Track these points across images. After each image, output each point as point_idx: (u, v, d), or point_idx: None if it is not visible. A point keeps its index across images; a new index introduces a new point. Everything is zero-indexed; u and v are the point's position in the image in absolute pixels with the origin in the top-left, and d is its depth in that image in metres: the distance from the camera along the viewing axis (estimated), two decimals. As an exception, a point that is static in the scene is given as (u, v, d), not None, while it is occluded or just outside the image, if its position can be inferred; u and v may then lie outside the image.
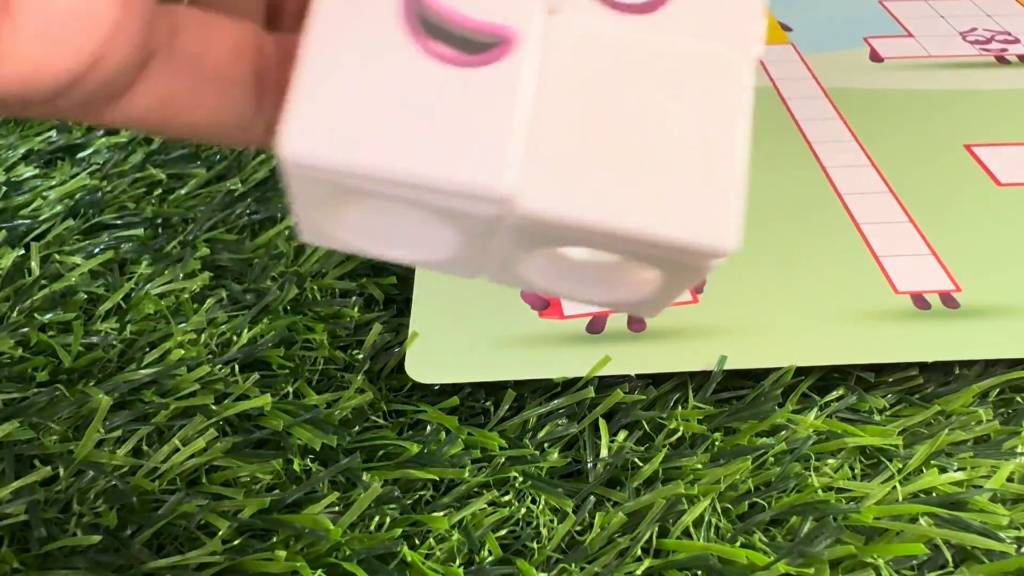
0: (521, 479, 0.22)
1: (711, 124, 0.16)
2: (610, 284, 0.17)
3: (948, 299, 0.27)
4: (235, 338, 0.26)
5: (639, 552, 0.21)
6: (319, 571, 0.20)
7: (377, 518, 0.21)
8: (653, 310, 0.17)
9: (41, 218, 0.28)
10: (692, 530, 0.22)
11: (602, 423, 0.23)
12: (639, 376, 0.25)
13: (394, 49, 0.15)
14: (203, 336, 0.26)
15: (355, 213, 0.16)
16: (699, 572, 0.21)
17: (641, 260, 0.16)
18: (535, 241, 0.16)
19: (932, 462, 0.23)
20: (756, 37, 0.16)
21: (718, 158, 0.15)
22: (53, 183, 0.29)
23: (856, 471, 0.23)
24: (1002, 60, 0.38)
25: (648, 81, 0.16)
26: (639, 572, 0.20)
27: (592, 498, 0.22)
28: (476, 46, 0.16)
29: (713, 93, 0.16)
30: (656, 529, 0.21)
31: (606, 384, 0.25)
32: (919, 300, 0.27)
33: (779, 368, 0.25)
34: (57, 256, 0.27)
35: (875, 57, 0.38)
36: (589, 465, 0.23)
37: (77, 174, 0.30)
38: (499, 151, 0.15)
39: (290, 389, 0.24)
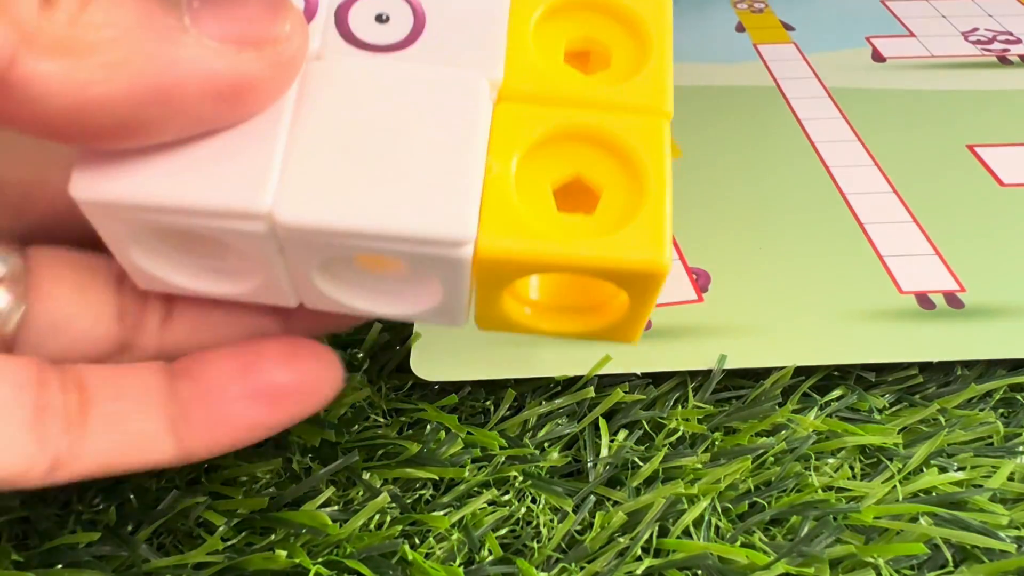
0: (521, 478, 0.22)
1: (450, 136, 0.18)
2: (404, 296, 0.19)
3: (952, 299, 0.27)
4: (236, 336, 0.26)
5: (639, 552, 0.21)
6: (321, 566, 0.20)
7: (377, 517, 0.21)
8: (456, 318, 0.19)
9: (42, 216, 0.28)
10: (692, 530, 0.21)
11: (602, 422, 0.23)
12: (641, 375, 0.25)
13: None
14: (204, 334, 0.26)
15: (163, 252, 0.18)
16: (699, 572, 0.21)
17: (408, 263, 0.17)
18: (315, 255, 0.17)
19: (932, 461, 0.23)
20: (495, 63, 0.19)
21: (456, 164, 0.17)
22: (55, 181, 0.29)
23: (856, 470, 0.23)
24: (1004, 60, 0.38)
25: (394, 104, 0.18)
26: (639, 572, 0.20)
27: (592, 498, 0.22)
28: None
29: (453, 111, 0.18)
30: (656, 529, 0.21)
31: (606, 383, 0.25)
32: (924, 300, 0.27)
33: (780, 368, 0.25)
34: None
35: (877, 57, 0.38)
36: (589, 464, 0.23)
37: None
38: (258, 175, 0.16)
39: (290, 387, 0.24)
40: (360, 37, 0.18)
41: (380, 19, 0.19)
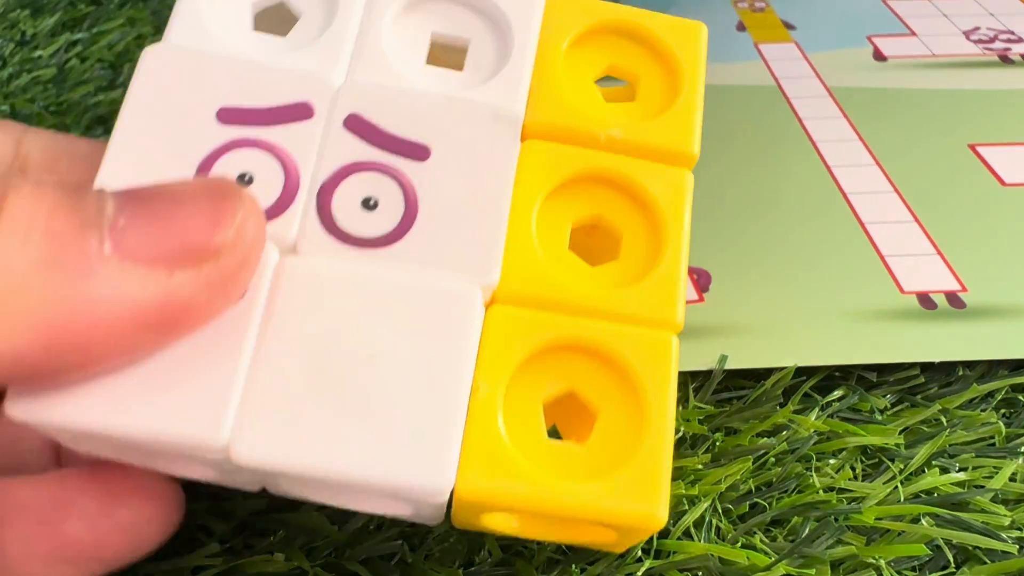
0: (521, 479, 0.22)
1: (435, 363, 0.16)
2: (374, 503, 0.17)
3: (954, 299, 0.27)
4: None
5: (639, 553, 0.21)
6: (320, 569, 0.20)
7: (376, 518, 0.21)
8: (431, 522, 0.18)
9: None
10: (693, 531, 0.21)
11: (602, 423, 0.23)
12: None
13: None
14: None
15: (107, 448, 0.16)
16: (699, 573, 0.21)
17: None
18: (277, 478, 0.16)
19: (934, 462, 0.23)
20: (491, 266, 0.17)
21: (439, 399, 0.15)
22: (53, 182, 0.29)
23: (857, 471, 0.23)
24: (1006, 59, 0.38)
25: (376, 319, 0.16)
26: (639, 573, 0.20)
27: (592, 498, 0.22)
28: None
29: (440, 332, 0.16)
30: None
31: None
32: (925, 300, 0.27)
33: (781, 368, 0.25)
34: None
35: (879, 56, 0.38)
36: (589, 465, 0.23)
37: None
38: (214, 403, 0.15)
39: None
40: (344, 228, 0.17)
41: (368, 204, 0.17)
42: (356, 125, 0.17)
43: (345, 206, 0.17)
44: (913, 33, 0.39)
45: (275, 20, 0.19)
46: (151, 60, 0.18)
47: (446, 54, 0.20)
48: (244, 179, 0.17)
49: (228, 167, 0.17)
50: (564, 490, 0.16)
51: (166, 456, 0.16)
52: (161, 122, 0.17)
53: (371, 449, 0.15)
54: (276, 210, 0.17)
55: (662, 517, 0.16)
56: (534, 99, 0.19)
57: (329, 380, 0.15)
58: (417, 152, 0.17)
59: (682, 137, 0.19)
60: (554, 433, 0.17)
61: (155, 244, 0.13)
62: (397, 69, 0.19)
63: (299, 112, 0.17)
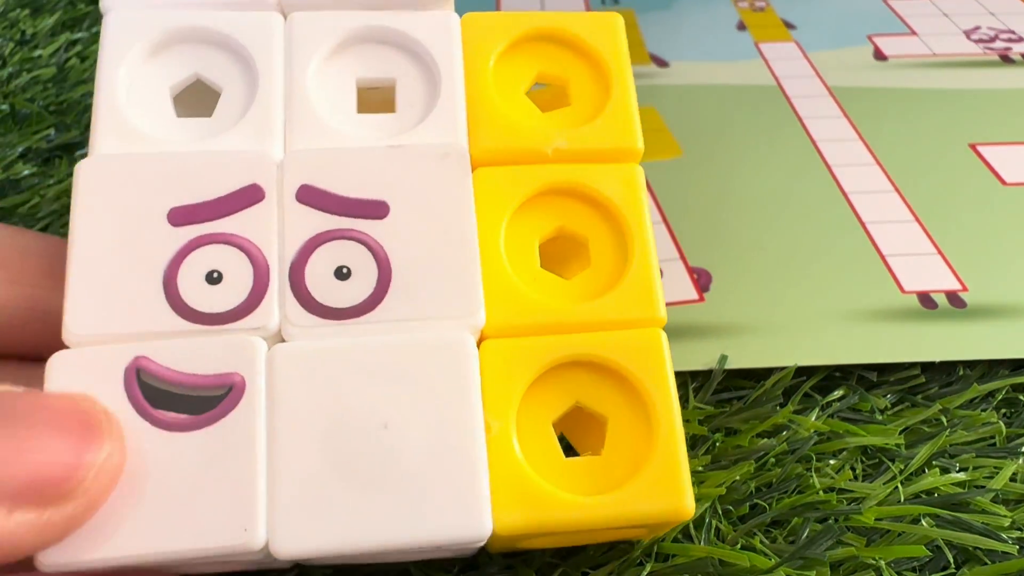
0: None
1: (445, 415, 0.16)
2: (407, 555, 0.18)
3: (954, 299, 0.27)
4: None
5: (641, 556, 0.21)
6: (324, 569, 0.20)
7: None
8: (470, 552, 0.18)
9: (39, 216, 0.28)
10: (693, 532, 0.21)
11: (602, 423, 0.23)
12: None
13: (126, 431, 0.15)
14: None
15: None
16: None
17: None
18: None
19: (934, 462, 0.23)
20: (475, 307, 0.17)
21: (459, 448, 0.16)
22: (51, 182, 0.29)
23: (858, 471, 0.23)
24: (1006, 59, 0.38)
25: (377, 388, 0.16)
26: None
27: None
28: (203, 403, 0.16)
29: (442, 381, 0.16)
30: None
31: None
32: (926, 300, 0.27)
33: (782, 368, 0.25)
34: (57, 255, 0.27)
35: (879, 55, 0.38)
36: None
37: (77, 172, 0.29)
38: (245, 511, 0.15)
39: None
40: (324, 302, 0.17)
41: (341, 274, 0.17)
42: (309, 196, 0.17)
43: (319, 280, 0.17)
44: (914, 32, 0.39)
45: (196, 98, 0.19)
46: (87, 177, 0.17)
47: (375, 97, 0.20)
48: (213, 278, 0.17)
49: (192, 271, 0.17)
50: (594, 505, 0.16)
51: (204, 564, 0.16)
52: (114, 241, 0.17)
53: (406, 514, 0.15)
54: (252, 302, 0.17)
55: (690, 507, 0.16)
56: (474, 127, 0.19)
57: (348, 457, 0.15)
58: (376, 210, 0.17)
59: (624, 134, 0.19)
60: (568, 446, 0.18)
61: None
62: (332, 126, 0.18)
63: (249, 196, 0.17)
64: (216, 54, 0.19)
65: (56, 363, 0.16)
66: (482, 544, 0.16)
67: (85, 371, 0.16)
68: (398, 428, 0.16)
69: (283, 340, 0.17)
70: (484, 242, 0.18)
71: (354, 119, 0.19)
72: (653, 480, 0.16)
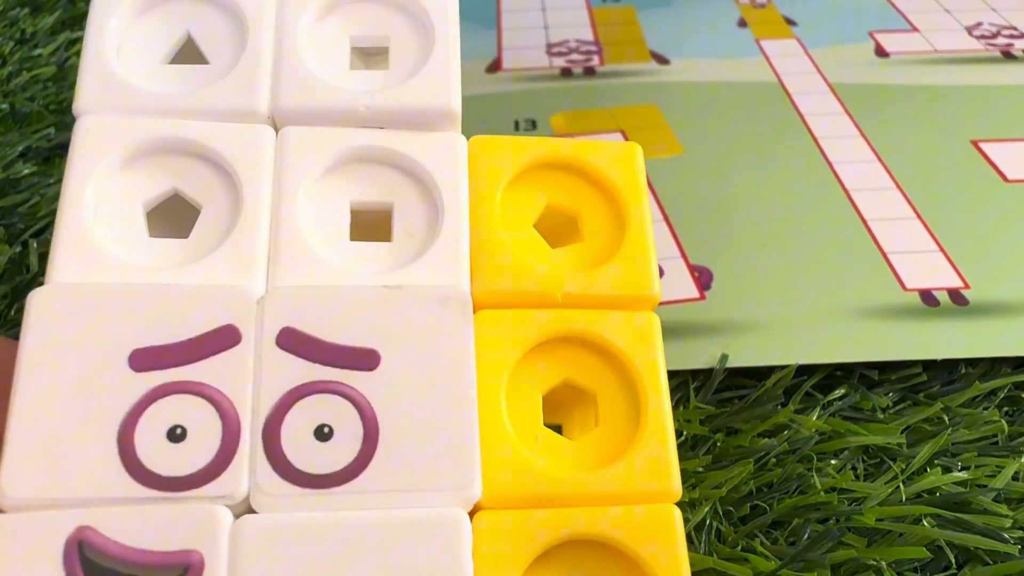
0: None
1: None
2: None
3: (957, 296, 0.27)
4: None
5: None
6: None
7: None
8: None
9: (39, 215, 0.28)
10: (694, 535, 0.21)
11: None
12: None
13: None
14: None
15: None
16: None
17: None
18: None
19: (936, 461, 0.23)
20: (471, 479, 0.15)
21: None
22: (51, 181, 0.29)
23: (859, 471, 0.23)
24: (1008, 55, 0.37)
25: (356, 571, 0.14)
26: None
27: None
28: None
29: (431, 566, 0.14)
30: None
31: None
32: (928, 297, 0.27)
33: (783, 366, 0.25)
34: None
35: (881, 52, 0.38)
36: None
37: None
38: None
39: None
40: (300, 468, 0.15)
41: (322, 434, 0.15)
42: (291, 341, 0.15)
43: (297, 441, 0.15)
44: (915, 29, 0.39)
45: (172, 215, 0.17)
46: (40, 309, 0.15)
47: (370, 218, 0.18)
48: (176, 435, 0.15)
49: (153, 426, 0.15)
50: None
51: None
52: (65, 386, 0.15)
53: None
54: (219, 465, 0.14)
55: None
56: (477, 265, 0.17)
57: None
58: (366, 360, 0.15)
59: (640, 279, 0.18)
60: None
61: None
62: (322, 257, 0.16)
63: (224, 339, 0.15)
64: (198, 167, 0.17)
65: None
66: None
67: (18, 542, 0.14)
68: None
69: (252, 510, 0.15)
70: (483, 394, 0.16)
71: (346, 247, 0.17)
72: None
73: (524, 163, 0.19)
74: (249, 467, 0.15)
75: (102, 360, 0.15)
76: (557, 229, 0.19)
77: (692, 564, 0.20)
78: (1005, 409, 0.25)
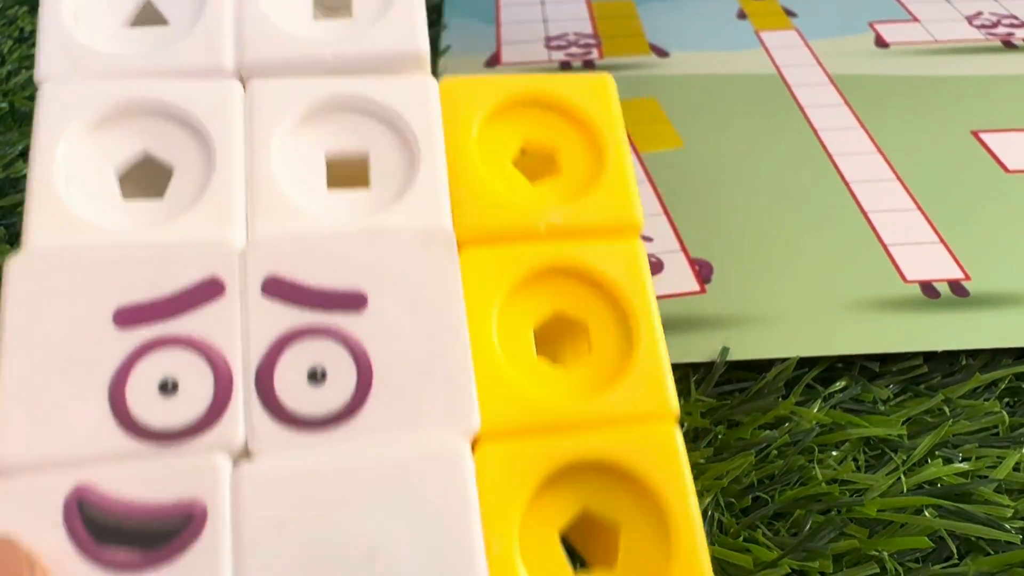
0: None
1: (440, 539, 0.14)
2: None
3: (957, 287, 0.27)
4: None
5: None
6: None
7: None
8: None
9: (41, 215, 0.28)
10: (695, 524, 0.21)
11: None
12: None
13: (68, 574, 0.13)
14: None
15: None
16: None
17: None
18: None
19: (937, 452, 0.23)
20: (469, 411, 0.15)
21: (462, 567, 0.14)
22: (53, 180, 0.29)
23: (860, 462, 0.23)
24: (1009, 44, 0.37)
25: (360, 511, 0.14)
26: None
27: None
28: (158, 537, 0.14)
29: (435, 499, 0.14)
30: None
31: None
32: (928, 289, 0.27)
33: (784, 359, 0.25)
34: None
35: (880, 43, 0.38)
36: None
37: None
38: None
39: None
40: (295, 412, 0.15)
41: (315, 377, 0.15)
42: (277, 288, 0.15)
43: (290, 385, 0.15)
44: (915, 19, 0.39)
45: (145, 178, 0.17)
46: (19, 276, 0.15)
47: (347, 171, 0.18)
48: (167, 388, 0.14)
49: (143, 381, 0.14)
50: None
51: None
52: (51, 349, 0.14)
53: None
54: (213, 414, 0.14)
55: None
56: (458, 203, 0.17)
57: None
58: (353, 303, 0.15)
59: (622, 206, 0.18)
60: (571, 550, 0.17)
61: None
62: (300, 207, 0.16)
63: (207, 291, 0.15)
64: (167, 128, 0.17)
65: None
66: None
67: (16, 506, 0.14)
68: (388, 558, 0.14)
69: (250, 457, 0.14)
70: (474, 331, 0.16)
71: (324, 197, 0.17)
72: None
73: (497, 101, 0.19)
74: (244, 414, 0.14)
75: (86, 320, 0.15)
76: (536, 168, 0.19)
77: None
78: (1006, 400, 0.25)
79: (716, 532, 0.21)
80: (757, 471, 0.23)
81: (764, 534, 0.21)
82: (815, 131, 0.33)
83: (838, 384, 0.25)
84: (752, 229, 0.29)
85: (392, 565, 0.14)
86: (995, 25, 0.39)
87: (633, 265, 0.17)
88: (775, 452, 0.23)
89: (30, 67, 0.33)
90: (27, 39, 0.35)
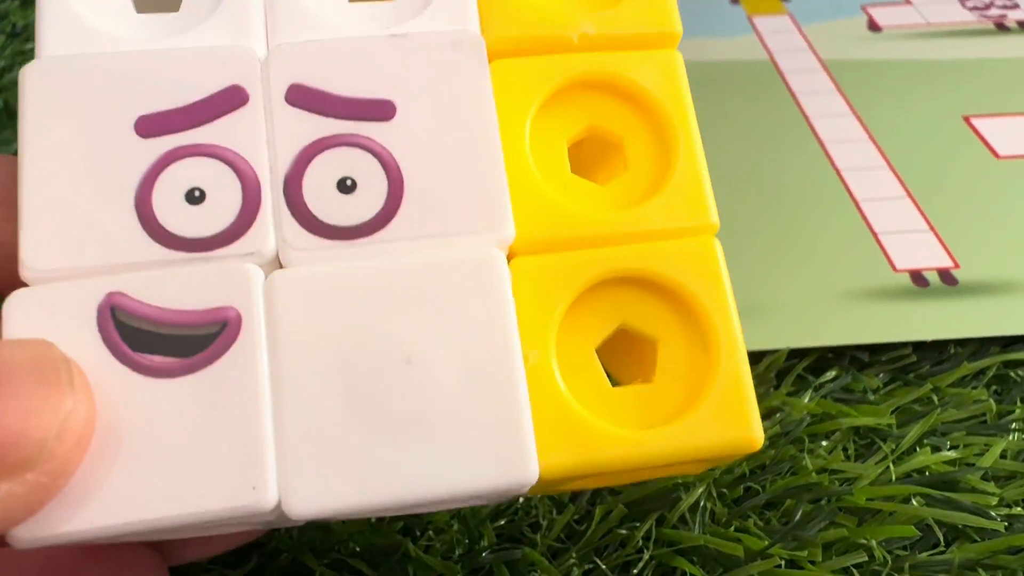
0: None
1: (477, 345, 0.14)
2: (441, 505, 0.15)
3: (947, 276, 0.28)
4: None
5: (640, 542, 0.21)
6: (327, 568, 0.20)
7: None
8: (509, 498, 0.16)
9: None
10: (688, 516, 0.22)
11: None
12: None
13: (104, 380, 0.13)
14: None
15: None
16: (695, 558, 0.21)
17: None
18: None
19: (925, 441, 0.24)
20: (503, 219, 0.15)
21: (495, 384, 0.14)
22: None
23: (850, 451, 0.24)
24: (1001, 27, 0.37)
25: (396, 318, 0.14)
26: (640, 561, 0.21)
27: (589, 485, 0.22)
28: (193, 343, 0.14)
29: (471, 306, 0.14)
30: (655, 518, 0.22)
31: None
32: (918, 278, 0.28)
33: (775, 351, 0.25)
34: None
35: (873, 26, 0.38)
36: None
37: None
38: (251, 466, 0.13)
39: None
40: (326, 221, 0.14)
41: (345, 186, 0.15)
42: (301, 97, 0.15)
43: (320, 195, 0.14)
44: (908, 2, 0.39)
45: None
46: (35, 84, 0.15)
47: None
48: (194, 197, 0.14)
49: (169, 190, 0.14)
50: (650, 440, 0.14)
51: (204, 529, 0.14)
52: (72, 158, 0.14)
53: (439, 460, 0.13)
54: (242, 223, 0.14)
55: (759, 437, 0.15)
56: (486, 12, 0.16)
57: (367, 398, 0.13)
58: (381, 111, 0.15)
59: (659, 15, 0.17)
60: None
61: None
62: (321, 15, 0.16)
63: (230, 100, 0.15)
64: None
65: (13, 304, 0.14)
66: (526, 490, 0.14)
67: (49, 312, 0.13)
68: (423, 362, 0.14)
69: (281, 266, 0.14)
70: (506, 145, 0.15)
71: (346, 7, 0.16)
72: (715, 408, 0.15)
73: None
74: (274, 223, 0.14)
75: (107, 128, 0.14)
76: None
77: (684, 542, 0.21)
78: (993, 388, 0.25)
79: (708, 522, 0.22)
80: (749, 461, 0.23)
81: (755, 523, 0.22)
82: (807, 118, 0.33)
83: (828, 374, 0.25)
84: (742, 219, 0.29)
85: (428, 371, 0.14)
86: (988, 7, 0.39)
87: (671, 75, 0.17)
88: (767, 442, 0.23)
89: (23, 62, 0.33)
90: (19, 35, 0.35)
